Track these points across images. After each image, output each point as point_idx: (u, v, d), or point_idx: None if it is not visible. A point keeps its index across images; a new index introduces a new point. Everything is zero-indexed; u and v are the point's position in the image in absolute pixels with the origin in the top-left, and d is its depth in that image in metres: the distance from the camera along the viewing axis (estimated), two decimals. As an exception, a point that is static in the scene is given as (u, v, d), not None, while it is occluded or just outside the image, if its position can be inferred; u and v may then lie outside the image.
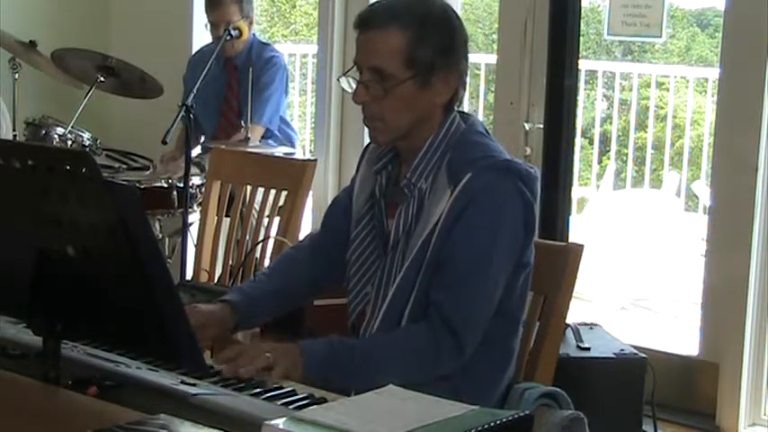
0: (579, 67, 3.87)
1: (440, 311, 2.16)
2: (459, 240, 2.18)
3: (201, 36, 5.44)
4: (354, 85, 2.26)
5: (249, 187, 3.60)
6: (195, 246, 3.67)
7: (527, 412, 1.57)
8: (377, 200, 2.34)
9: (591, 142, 7.10)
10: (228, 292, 2.40)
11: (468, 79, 2.33)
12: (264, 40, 5.13)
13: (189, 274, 3.79)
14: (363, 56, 2.24)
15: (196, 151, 4.79)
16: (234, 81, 4.92)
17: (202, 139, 4.95)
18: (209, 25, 4.84)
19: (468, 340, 2.17)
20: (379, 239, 2.32)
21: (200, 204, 4.27)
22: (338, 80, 2.35)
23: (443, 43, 2.23)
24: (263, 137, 4.78)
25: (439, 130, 2.27)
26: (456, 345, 2.16)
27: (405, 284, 2.22)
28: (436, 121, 2.28)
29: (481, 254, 2.18)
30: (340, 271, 2.45)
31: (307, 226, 3.06)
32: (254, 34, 4.96)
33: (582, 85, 5.97)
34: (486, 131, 2.35)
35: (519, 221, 2.22)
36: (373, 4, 2.30)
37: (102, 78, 4.84)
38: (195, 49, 5.36)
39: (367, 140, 2.51)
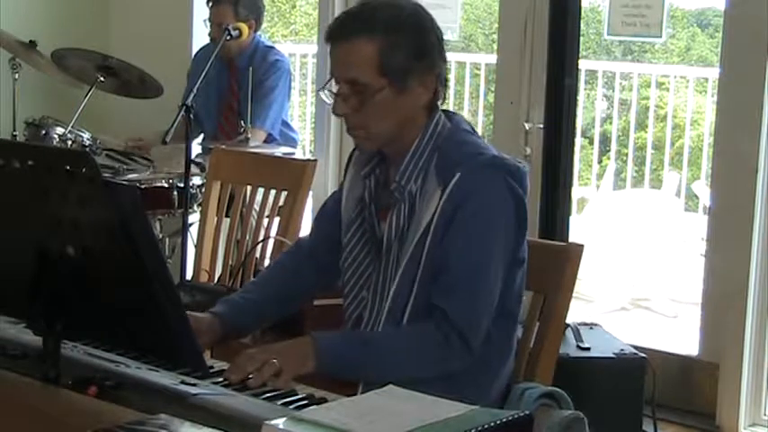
0: (579, 67, 3.87)
1: (445, 317, 2.16)
2: (456, 244, 2.17)
3: (201, 35, 5.44)
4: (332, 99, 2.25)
5: (249, 187, 3.61)
6: (195, 246, 3.67)
7: (527, 412, 1.57)
8: (367, 204, 2.33)
9: (591, 142, 7.09)
10: (216, 304, 2.38)
11: (448, 76, 2.31)
12: (270, 43, 5.11)
13: (189, 274, 3.79)
14: (337, 68, 2.23)
15: (197, 149, 4.79)
16: (234, 82, 4.91)
17: (201, 135, 4.95)
18: (207, 22, 4.84)
19: (474, 342, 2.18)
20: (372, 244, 2.32)
21: (200, 204, 4.27)
22: (317, 93, 2.35)
23: (415, 46, 2.21)
24: (264, 141, 4.77)
25: (424, 132, 2.26)
26: (464, 345, 2.17)
27: (402, 287, 2.22)
28: (420, 123, 2.26)
29: (479, 256, 2.18)
30: (332, 277, 2.45)
31: (307, 226, 3.06)
32: (259, 36, 4.95)
33: (582, 85, 5.96)
34: (472, 129, 2.34)
35: (511, 218, 2.22)
36: (341, 15, 2.27)
37: (102, 78, 4.84)
38: (195, 48, 5.35)
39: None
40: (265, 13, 5.14)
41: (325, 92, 2.28)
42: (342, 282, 2.39)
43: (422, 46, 2.22)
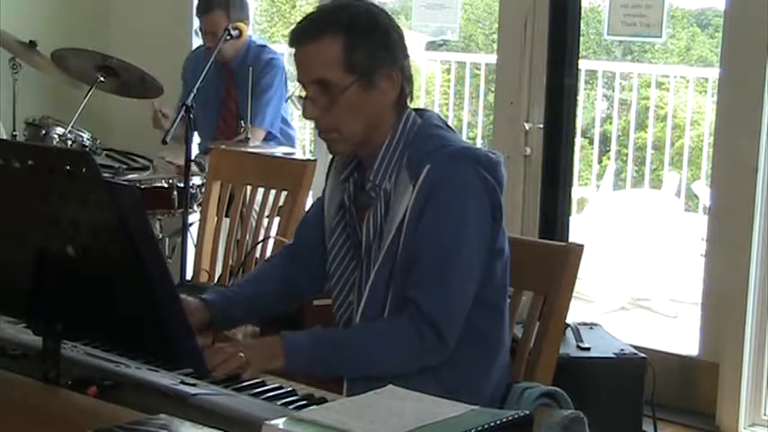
0: (579, 67, 3.88)
1: (417, 308, 2.17)
2: (427, 235, 2.18)
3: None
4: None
5: (249, 187, 3.61)
6: (195, 246, 3.67)
7: (527, 412, 1.57)
8: (347, 208, 2.35)
9: (591, 142, 7.09)
10: (206, 292, 2.41)
11: (411, 74, 2.32)
12: (261, 42, 5.10)
13: (189, 274, 3.78)
14: (304, 71, 2.25)
15: (195, 150, 4.79)
16: (231, 84, 4.90)
17: (195, 136, 4.94)
18: (199, 32, 4.83)
19: (448, 333, 2.18)
20: (355, 247, 2.33)
21: (200, 204, 4.27)
22: (286, 102, 2.37)
23: (378, 42, 2.23)
24: (264, 140, 4.77)
25: (395, 130, 2.28)
26: (437, 338, 2.17)
27: (379, 283, 2.23)
28: (390, 121, 2.28)
29: (450, 245, 2.19)
30: (317, 282, 2.48)
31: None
32: (250, 36, 4.94)
33: (582, 85, 5.96)
34: (445, 124, 2.35)
35: (485, 207, 2.22)
36: (301, 20, 2.30)
37: (102, 78, 4.84)
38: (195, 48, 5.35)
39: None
40: (265, 13, 5.12)
41: (294, 98, 2.30)
42: (329, 286, 2.40)
43: (384, 41, 2.25)
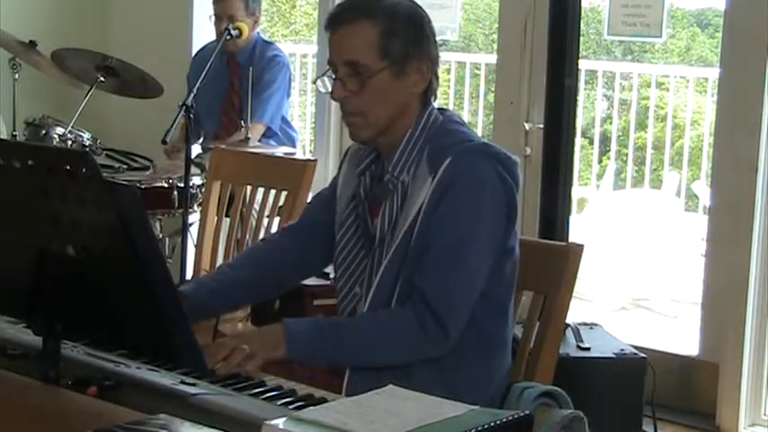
0: (579, 67, 3.87)
1: (422, 296, 2.18)
2: (440, 224, 2.20)
3: (202, 35, 5.44)
4: (330, 86, 2.29)
5: (249, 187, 3.61)
6: (195, 246, 3.68)
7: (527, 412, 1.57)
8: (361, 200, 2.35)
9: (591, 142, 7.09)
10: (186, 284, 2.40)
11: (439, 72, 2.36)
12: (268, 39, 5.13)
13: (189, 274, 3.78)
14: (337, 52, 2.28)
15: (196, 149, 4.79)
16: (236, 78, 4.91)
17: (202, 134, 4.95)
18: (213, 17, 4.84)
19: (451, 323, 2.18)
20: (366, 240, 2.33)
21: (200, 204, 4.27)
22: (314, 83, 2.38)
23: (413, 33, 2.27)
24: (263, 135, 4.78)
25: (417, 123, 2.30)
26: (440, 328, 2.17)
27: (389, 274, 2.23)
28: (414, 113, 2.30)
29: (461, 237, 2.19)
30: (312, 267, 2.50)
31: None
32: (258, 33, 4.96)
33: (582, 85, 5.96)
34: (464, 122, 2.38)
35: (500, 204, 2.23)
36: (340, 3, 2.33)
37: (102, 78, 4.84)
38: (195, 48, 5.35)
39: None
40: (265, 13, 5.15)
41: (324, 79, 2.32)
42: (335, 277, 2.41)
43: (419, 33, 2.29)
